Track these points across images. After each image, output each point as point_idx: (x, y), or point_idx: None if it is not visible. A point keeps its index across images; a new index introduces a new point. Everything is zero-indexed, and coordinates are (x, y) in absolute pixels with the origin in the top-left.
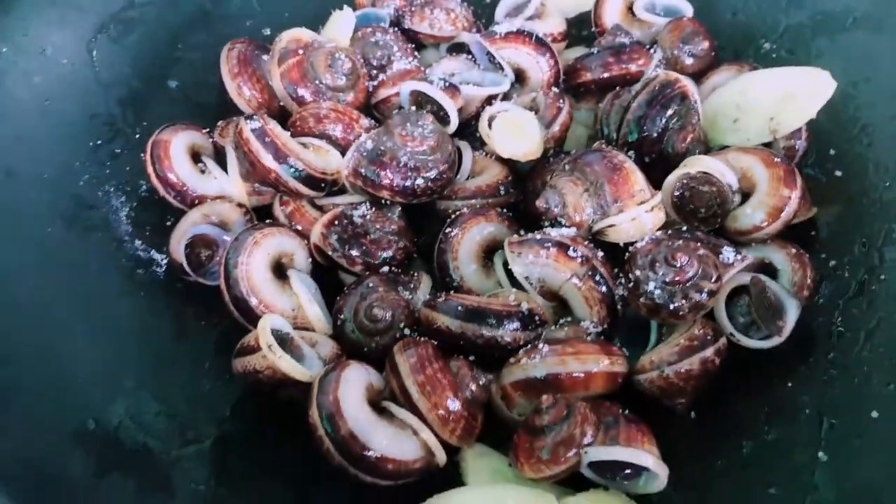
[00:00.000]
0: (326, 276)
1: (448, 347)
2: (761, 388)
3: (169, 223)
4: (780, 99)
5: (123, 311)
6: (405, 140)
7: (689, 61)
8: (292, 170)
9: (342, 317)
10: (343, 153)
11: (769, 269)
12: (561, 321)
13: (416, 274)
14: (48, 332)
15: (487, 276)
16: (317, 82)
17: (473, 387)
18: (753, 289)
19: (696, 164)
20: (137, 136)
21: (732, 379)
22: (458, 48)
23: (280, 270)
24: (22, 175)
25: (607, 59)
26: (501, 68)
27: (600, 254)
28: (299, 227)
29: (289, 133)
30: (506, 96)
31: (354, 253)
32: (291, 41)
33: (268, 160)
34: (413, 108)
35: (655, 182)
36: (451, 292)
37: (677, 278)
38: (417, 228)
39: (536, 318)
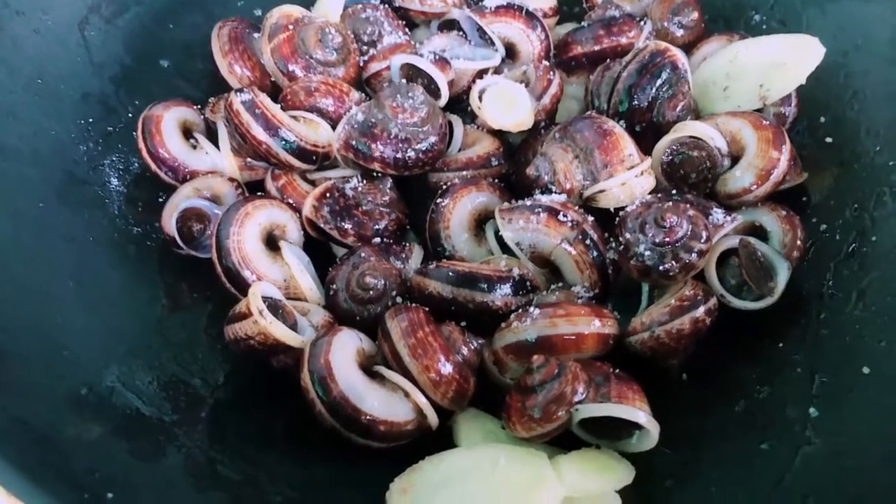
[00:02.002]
0: (318, 249)
1: (440, 313)
2: (753, 349)
3: (161, 199)
4: (769, 66)
5: (116, 284)
6: (396, 112)
7: (679, 32)
8: (283, 142)
9: (334, 287)
10: (334, 126)
11: (759, 232)
12: (552, 287)
13: (407, 245)
14: (42, 304)
15: (479, 244)
16: (307, 57)
17: (465, 350)
18: (743, 250)
19: (685, 129)
20: (130, 114)
21: (724, 340)
22: (448, 25)
23: (272, 242)
24: (15, 151)
25: (598, 32)
26: (492, 43)
27: (591, 218)
28: (291, 201)
29: (279, 107)
30: (496, 70)
31: (346, 225)
32: (282, 17)
33: (258, 132)
34: (404, 80)
35: (646, 150)
36: (443, 261)
37: (667, 239)
38: (409, 200)
39: (527, 283)
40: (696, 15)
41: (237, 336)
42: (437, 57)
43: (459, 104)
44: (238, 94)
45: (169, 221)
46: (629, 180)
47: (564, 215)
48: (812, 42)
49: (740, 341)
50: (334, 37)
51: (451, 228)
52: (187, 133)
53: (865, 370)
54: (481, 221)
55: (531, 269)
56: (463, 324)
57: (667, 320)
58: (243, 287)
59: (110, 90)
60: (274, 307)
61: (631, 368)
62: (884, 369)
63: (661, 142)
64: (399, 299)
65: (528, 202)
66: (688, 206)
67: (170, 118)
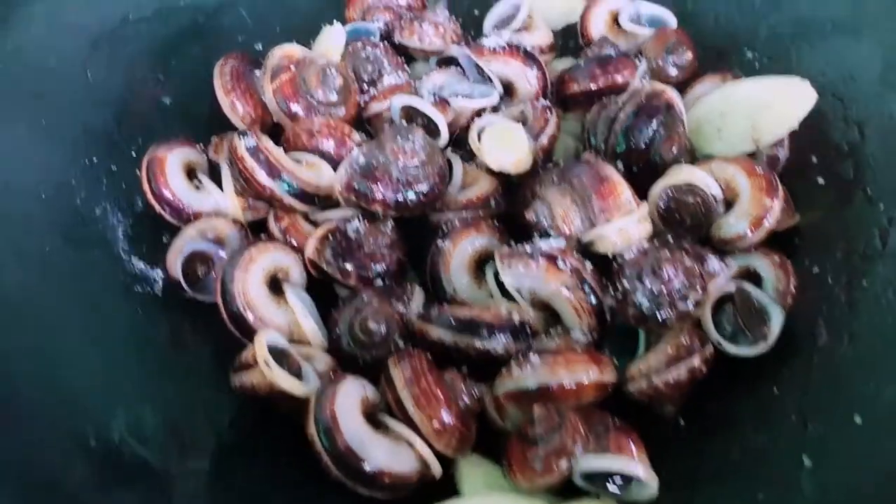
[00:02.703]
0: (321, 288)
1: (442, 358)
2: (747, 393)
3: (165, 239)
4: (761, 108)
5: (121, 325)
6: (397, 154)
7: (673, 72)
8: (286, 185)
9: (337, 330)
10: (336, 168)
11: (754, 277)
12: (551, 330)
13: (409, 286)
14: (48, 345)
15: (479, 287)
16: (309, 97)
17: (467, 398)
18: (738, 297)
19: (680, 175)
20: (133, 152)
21: (719, 384)
22: (447, 61)
23: (276, 285)
24: (20, 190)
25: (594, 70)
26: (490, 80)
27: (589, 265)
28: (294, 242)
29: (282, 149)
30: (495, 109)
31: (349, 267)
32: (283, 57)
33: (262, 177)
34: (404, 122)
35: (644, 190)
36: (444, 304)
37: (664, 289)
38: (410, 240)
39: (527, 328)
40: (689, 55)
41: (243, 385)
42: (436, 98)
43: (458, 142)
44: (242, 138)
45: (174, 265)
46: (626, 227)
47: (563, 262)
48: (803, 86)
49: (736, 384)
50: (335, 78)
51: (452, 271)
52: (191, 173)
53: (857, 419)
54: (481, 263)
55: (531, 314)
56: (464, 368)
57: (663, 369)
58: (248, 332)
59: (113, 127)
60: (279, 355)
61: (628, 409)
62: (875, 418)
63: (657, 186)
64: (401, 343)
65: (528, 248)
66: (684, 255)
67: (173, 160)
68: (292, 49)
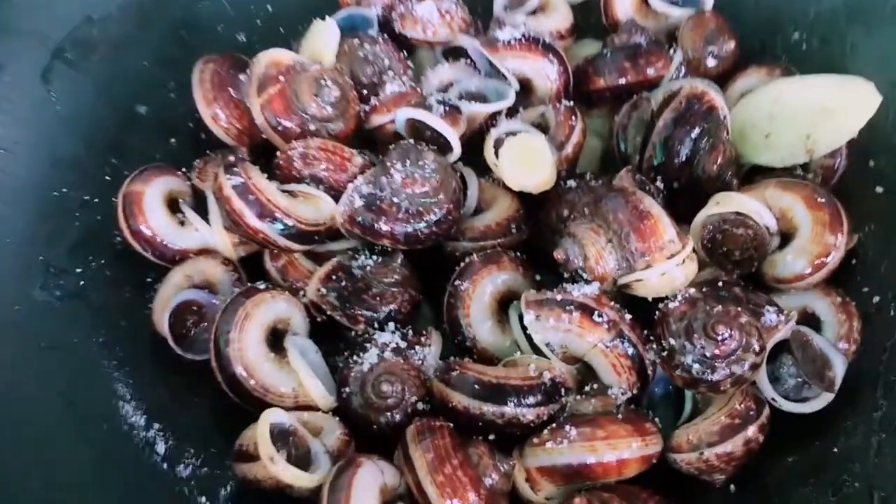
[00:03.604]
0: (328, 324)
1: (466, 426)
2: (805, 454)
3: (150, 279)
4: (817, 113)
5: (107, 393)
6: (405, 182)
7: (712, 63)
8: (280, 226)
9: (347, 390)
10: (336, 197)
11: (811, 320)
12: (587, 388)
13: (425, 332)
14: (28, 427)
15: (503, 332)
16: (302, 113)
17: (495, 476)
18: (798, 345)
19: (729, 203)
20: (107, 176)
21: (774, 441)
22: (455, 51)
23: (276, 336)
24: None
25: (622, 63)
26: (505, 77)
27: (628, 316)
28: (293, 282)
29: (275, 184)
30: (511, 110)
31: (356, 311)
32: (271, 65)
33: (252, 220)
34: (411, 140)
35: (686, 208)
36: (465, 359)
37: (717, 352)
38: (423, 268)
39: (560, 387)
40: (732, 44)
41: (246, 476)
42: (446, 107)
43: (471, 148)
44: (228, 176)
45: (161, 320)
46: (670, 270)
47: (600, 315)
48: (866, 88)
49: (791, 442)
50: (331, 90)
51: (472, 316)
52: (174, 204)
53: None
54: (504, 303)
55: (563, 370)
56: (491, 437)
57: (716, 441)
58: (248, 397)
59: (82, 150)
60: (284, 433)
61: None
62: None
63: (702, 215)
64: (420, 405)
65: (559, 296)
66: (739, 310)
67: (152, 194)
68: (280, 55)
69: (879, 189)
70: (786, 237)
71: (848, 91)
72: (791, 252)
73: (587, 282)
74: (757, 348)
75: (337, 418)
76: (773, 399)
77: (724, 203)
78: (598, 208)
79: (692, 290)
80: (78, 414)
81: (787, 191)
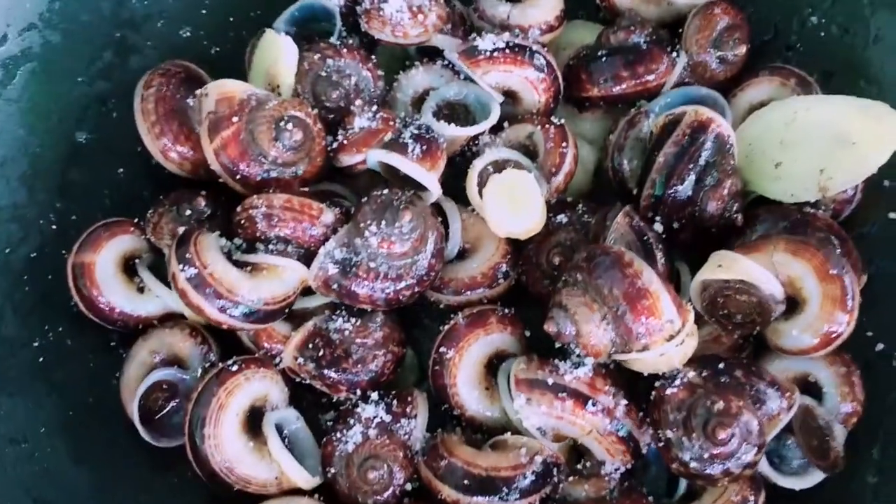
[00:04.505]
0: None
1: None
2: None
3: (113, 343)
4: (834, 142)
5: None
6: (381, 245)
7: (719, 69)
8: (245, 310)
9: (332, 470)
10: (306, 254)
11: (811, 387)
12: (579, 466)
13: (411, 398)
14: None
15: (492, 400)
16: (261, 159)
17: None
18: (800, 422)
19: (733, 270)
20: (54, 226)
21: None
22: (432, 50)
23: (254, 415)
24: None
25: (619, 70)
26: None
27: (623, 402)
28: (267, 348)
29: (232, 267)
30: (496, 127)
31: (336, 377)
32: (221, 101)
33: (213, 312)
34: (385, 192)
35: (684, 246)
36: (452, 434)
37: (716, 452)
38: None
39: (553, 468)
40: (742, 49)
41: None
42: (423, 146)
43: (452, 171)
44: (181, 266)
45: (130, 406)
46: (668, 351)
47: (594, 403)
48: (890, 117)
49: None
50: (292, 133)
51: (459, 386)
52: (129, 265)
53: None
54: (493, 366)
55: (555, 451)
56: None
57: None
58: (230, 490)
59: (22, 196)
60: None
61: None
62: None
63: (703, 276)
64: (408, 486)
65: (550, 379)
66: (741, 405)
67: (104, 262)
68: (231, 88)
69: (892, 215)
70: (792, 302)
71: (871, 119)
72: (797, 327)
73: (579, 357)
74: (758, 444)
75: None
76: (774, 482)
77: (727, 268)
78: (592, 279)
79: (691, 375)
80: None
81: (797, 257)
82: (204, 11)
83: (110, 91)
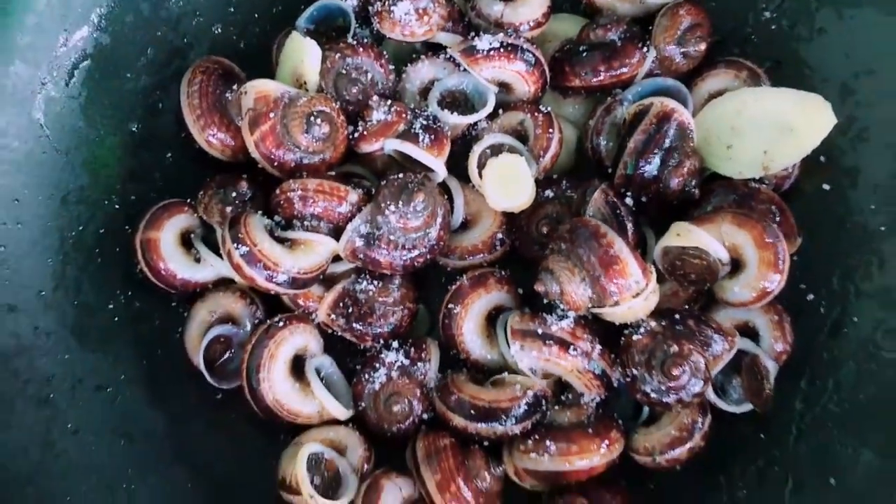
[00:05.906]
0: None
1: (464, 438)
2: (739, 440)
3: (174, 304)
4: (776, 129)
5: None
6: (399, 221)
7: (681, 62)
8: (287, 279)
9: (363, 405)
10: (334, 228)
11: (750, 332)
12: (563, 398)
13: (425, 346)
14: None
15: (492, 346)
16: (294, 148)
17: (491, 480)
18: (748, 368)
19: (688, 238)
20: (116, 206)
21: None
22: (435, 43)
23: (298, 362)
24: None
25: (598, 65)
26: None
27: (598, 347)
28: (303, 305)
29: (275, 242)
30: (493, 114)
31: (362, 329)
32: (259, 100)
33: (261, 282)
34: (400, 175)
35: (652, 219)
36: (460, 374)
37: (671, 385)
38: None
39: (542, 400)
40: (702, 46)
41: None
42: (431, 135)
43: (454, 153)
44: (236, 245)
45: (196, 357)
46: (634, 305)
47: (574, 348)
48: (824, 108)
49: (727, 432)
50: (321, 127)
51: (465, 335)
52: (187, 239)
53: (832, 481)
54: (492, 318)
55: (544, 385)
56: (486, 443)
57: (667, 450)
58: (280, 421)
59: (86, 180)
60: (317, 460)
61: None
62: (847, 481)
63: (665, 243)
64: (426, 415)
65: (540, 329)
66: (691, 347)
67: (166, 237)
68: (267, 88)
69: (826, 186)
70: (735, 264)
71: (806, 109)
72: (738, 284)
73: (563, 311)
74: (704, 378)
75: (357, 432)
76: (715, 403)
77: (684, 237)
78: (573, 248)
79: (653, 324)
80: (137, 450)
81: (741, 228)
82: (232, 9)
83: (155, 84)
